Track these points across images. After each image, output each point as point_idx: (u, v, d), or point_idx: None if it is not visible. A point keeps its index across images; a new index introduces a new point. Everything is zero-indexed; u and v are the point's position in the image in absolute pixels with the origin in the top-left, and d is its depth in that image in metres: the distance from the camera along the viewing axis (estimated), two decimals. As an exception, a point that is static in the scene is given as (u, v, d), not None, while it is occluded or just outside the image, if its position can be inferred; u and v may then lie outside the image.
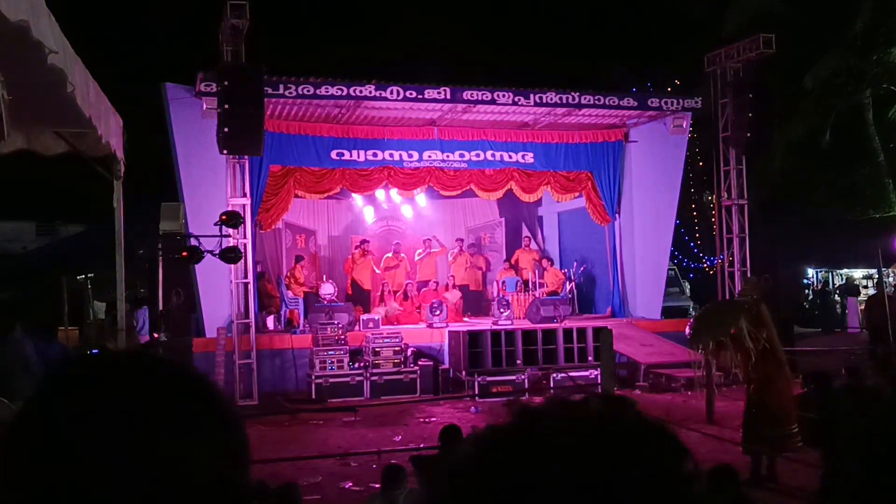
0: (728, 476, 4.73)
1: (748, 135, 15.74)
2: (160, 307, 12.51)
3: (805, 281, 28.39)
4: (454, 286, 17.57)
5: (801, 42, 18.70)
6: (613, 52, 24.82)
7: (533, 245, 19.50)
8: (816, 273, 28.46)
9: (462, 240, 18.64)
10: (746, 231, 16.36)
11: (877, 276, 23.70)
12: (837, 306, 25.49)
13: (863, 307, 23.97)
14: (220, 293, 13.70)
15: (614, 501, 0.71)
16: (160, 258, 11.76)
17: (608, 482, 0.71)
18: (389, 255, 17.91)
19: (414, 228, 19.48)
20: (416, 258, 18.12)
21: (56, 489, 0.81)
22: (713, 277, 17.60)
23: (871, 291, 22.95)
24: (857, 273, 26.97)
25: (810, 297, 27.74)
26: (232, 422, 0.92)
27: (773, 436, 7.62)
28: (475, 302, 18.39)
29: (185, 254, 11.36)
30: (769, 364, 7.85)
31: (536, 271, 18.04)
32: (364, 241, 17.53)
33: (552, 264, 18.18)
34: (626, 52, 24.83)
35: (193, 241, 11.46)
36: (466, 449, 0.77)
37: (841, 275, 27.57)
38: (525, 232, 20.12)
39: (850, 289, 25.22)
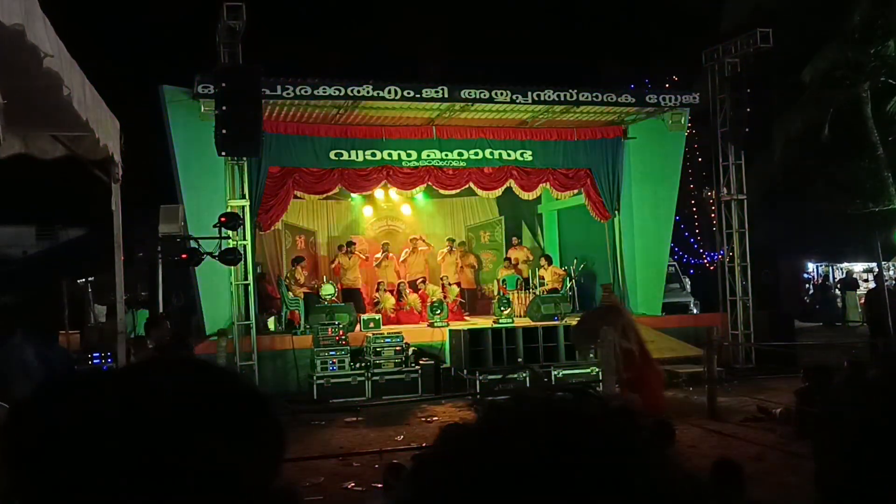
0: (732, 470, 4.73)
1: (747, 130, 15.73)
2: (160, 309, 12.51)
3: (805, 275, 28.38)
4: (451, 286, 17.53)
5: (798, 36, 18.67)
6: (611, 48, 24.80)
7: (528, 243, 19.47)
8: (816, 267, 28.45)
9: (452, 240, 18.58)
10: (746, 226, 16.36)
11: (877, 269, 23.72)
12: (838, 300, 25.49)
13: (862, 301, 24.00)
14: (220, 295, 13.69)
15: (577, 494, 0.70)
16: (160, 261, 11.77)
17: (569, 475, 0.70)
18: (379, 255, 17.88)
19: (413, 228, 19.46)
20: (402, 258, 18.08)
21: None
22: (713, 273, 17.59)
23: (872, 285, 22.94)
24: (858, 267, 26.96)
25: (810, 291, 27.74)
26: (275, 428, 0.92)
27: None
28: (469, 301, 18.38)
29: (184, 256, 11.37)
30: (641, 364, 7.90)
31: (530, 269, 18.03)
32: (350, 244, 17.42)
33: (551, 262, 18.17)
34: (624, 49, 24.80)
35: (193, 244, 11.46)
36: (433, 449, 0.78)
37: (841, 269, 27.55)
38: (523, 231, 20.13)
39: (850, 282, 25.22)
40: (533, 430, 0.74)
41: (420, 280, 17.42)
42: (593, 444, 0.72)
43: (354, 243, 17.57)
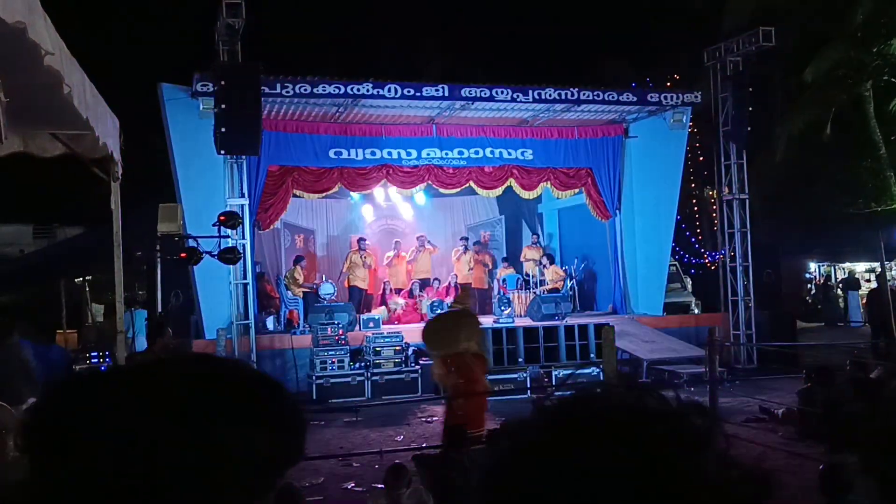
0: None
1: (748, 129, 15.73)
2: (159, 309, 12.52)
3: (807, 275, 28.38)
4: (456, 285, 17.53)
5: (801, 35, 18.68)
6: (612, 47, 24.80)
7: (540, 243, 19.51)
8: (818, 267, 28.46)
9: (466, 238, 18.64)
10: (748, 225, 16.37)
11: (879, 269, 23.72)
12: (840, 300, 25.50)
13: (864, 301, 24.01)
14: (219, 294, 13.70)
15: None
16: (158, 260, 11.76)
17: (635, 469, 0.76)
18: (391, 253, 17.92)
19: (413, 227, 19.47)
20: (409, 257, 18.12)
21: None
22: (715, 273, 17.59)
23: (874, 285, 22.95)
24: (860, 266, 26.95)
25: (812, 291, 27.74)
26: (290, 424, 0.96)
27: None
28: (480, 300, 18.38)
29: (183, 255, 11.37)
30: (475, 369, 7.85)
31: (538, 269, 18.05)
32: (361, 240, 17.51)
33: (552, 262, 18.19)
34: (625, 47, 24.81)
35: (192, 243, 11.46)
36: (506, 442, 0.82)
37: (843, 268, 27.56)
38: (536, 230, 20.15)
39: (852, 283, 25.21)
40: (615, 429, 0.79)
41: (433, 280, 17.42)
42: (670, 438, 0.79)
43: (366, 239, 17.61)
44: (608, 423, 0.78)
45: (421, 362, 13.77)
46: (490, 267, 19.05)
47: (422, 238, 18.23)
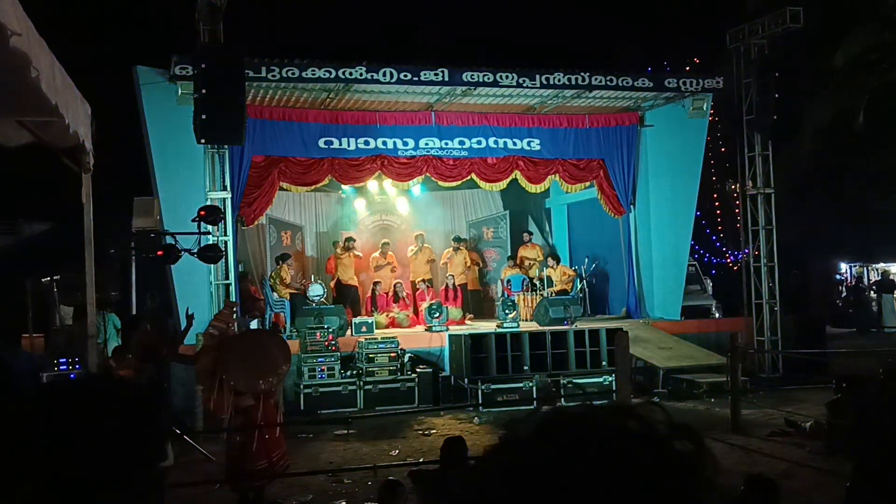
0: (766, 486, 4.75)
1: (774, 117, 15.74)
2: (133, 311, 12.53)
3: (837, 276, 28.41)
4: (455, 287, 17.53)
5: (831, 15, 18.68)
6: (627, 28, 24.81)
7: (536, 240, 19.51)
8: (850, 268, 28.48)
9: (458, 238, 18.62)
10: (773, 222, 16.38)
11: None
12: (872, 304, 25.53)
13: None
14: (198, 296, 13.65)
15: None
16: (133, 258, 11.78)
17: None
18: (377, 254, 17.93)
19: (409, 223, 19.48)
20: (410, 254, 18.14)
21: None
22: (737, 274, 17.62)
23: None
24: (895, 267, 26.98)
25: (843, 293, 27.76)
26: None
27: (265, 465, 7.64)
28: (474, 303, 18.42)
29: (160, 253, 11.36)
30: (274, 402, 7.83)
31: (538, 270, 18.08)
32: (348, 239, 17.53)
33: (559, 262, 18.21)
34: (641, 28, 24.82)
35: (169, 239, 11.46)
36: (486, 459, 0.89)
37: (876, 269, 27.59)
38: (529, 227, 20.18)
39: (886, 284, 25.23)
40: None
41: (422, 282, 17.43)
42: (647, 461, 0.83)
43: (354, 240, 17.63)
44: (593, 448, 0.83)
45: (418, 370, 13.79)
46: (481, 266, 19.06)
47: (422, 236, 18.26)
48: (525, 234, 19.37)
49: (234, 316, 9.28)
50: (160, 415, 1.38)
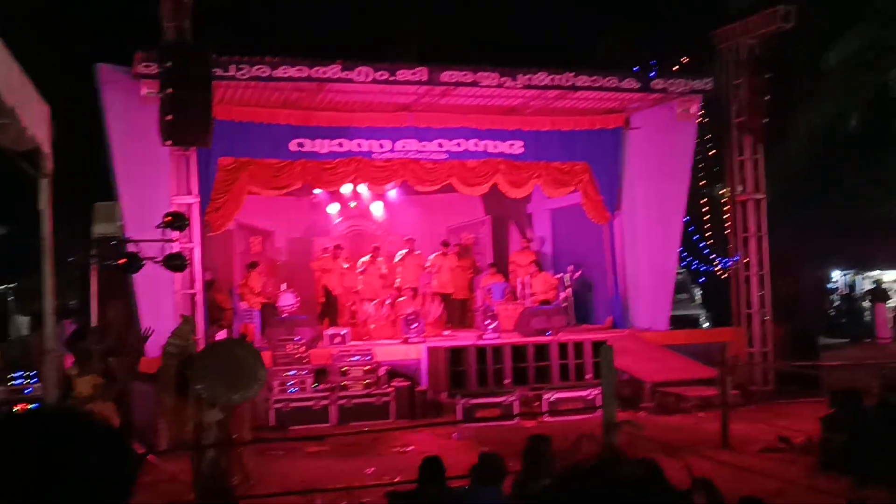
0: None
1: (765, 120, 15.83)
2: (93, 322, 12.40)
3: (830, 285, 28.60)
4: (434, 296, 17.55)
5: (824, 14, 18.82)
6: (612, 27, 24.89)
7: (534, 247, 19.54)
8: (843, 276, 28.69)
9: (448, 243, 18.67)
10: (764, 229, 16.48)
11: (911, 278, 23.96)
12: (866, 314, 25.73)
13: (893, 314, 24.23)
14: (162, 306, 13.59)
15: None
16: (93, 266, 11.66)
17: None
18: (366, 258, 17.91)
19: (385, 229, 19.48)
20: (397, 260, 18.14)
21: None
22: (727, 282, 17.70)
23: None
24: (889, 276, 27.21)
25: (836, 303, 27.96)
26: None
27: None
28: (459, 312, 18.43)
29: (122, 261, 11.28)
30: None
31: (527, 277, 18.12)
32: (338, 246, 17.58)
33: (540, 269, 18.24)
34: (627, 27, 24.91)
35: (132, 247, 11.38)
36: None
37: (870, 278, 27.81)
38: (526, 233, 20.23)
39: (880, 294, 25.43)
40: None
41: (407, 289, 17.43)
42: None
43: (342, 248, 17.67)
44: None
45: (394, 384, 13.76)
46: (474, 274, 19.09)
47: (411, 241, 18.28)
48: (523, 241, 19.40)
49: (192, 330, 9.19)
50: (129, 455, 1.42)
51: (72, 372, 9.17)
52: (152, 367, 9.44)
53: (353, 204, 19.02)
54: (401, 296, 17.24)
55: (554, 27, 25.12)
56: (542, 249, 20.13)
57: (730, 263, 17.22)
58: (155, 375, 8.31)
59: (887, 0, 18.47)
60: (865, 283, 27.79)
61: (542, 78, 14.92)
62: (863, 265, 27.66)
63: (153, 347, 13.42)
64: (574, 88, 15.24)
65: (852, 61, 19.02)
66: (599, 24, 25.01)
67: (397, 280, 18.00)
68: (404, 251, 18.20)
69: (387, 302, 17.05)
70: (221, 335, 15.26)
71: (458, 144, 16.33)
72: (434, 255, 18.57)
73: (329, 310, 17.05)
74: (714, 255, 25.88)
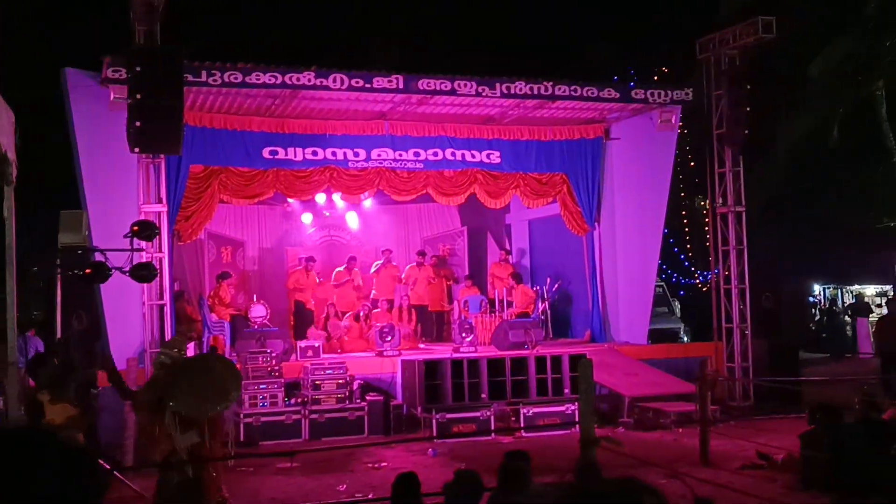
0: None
1: (746, 131, 15.95)
2: (58, 334, 12.30)
3: (811, 299, 28.85)
4: (409, 308, 17.54)
5: (806, 26, 19.00)
6: (592, 36, 25.07)
7: (512, 259, 19.56)
8: (824, 290, 28.96)
9: (424, 253, 18.67)
10: (745, 242, 16.57)
11: (892, 293, 24.20)
12: (847, 328, 25.96)
13: (875, 329, 24.44)
14: (130, 317, 13.52)
15: None
16: (59, 276, 11.57)
17: None
18: (341, 269, 17.89)
19: (360, 239, 19.47)
20: (373, 271, 18.12)
21: None
22: (707, 295, 17.82)
23: (885, 311, 23.39)
24: (870, 290, 27.49)
25: (817, 317, 28.19)
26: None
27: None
28: (436, 325, 18.42)
29: (88, 271, 11.21)
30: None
31: (505, 290, 18.15)
32: (310, 259, 17.54)
33: (520, 281, 18.27)
34: (607, 36, 25.09)
35: (98, 256, 11.31)
36: None
37: (851, 292, 28.09)
38: (504, 244, 20.27)
39: (861, 308, 25.67)
40: None
41: (382, 301, 17.40)
42: None
43: (315, 260, 17.63)
44: None
45: (368, 398, 13.73)
46: (451, 284, 19.10)
47: (388, 252, 18.29)
48: (502, 252, 19.42)
49: (188, 339, 9.11)
50: (95, 474, 1.46)
51: (43, 397, 8.99)
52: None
53: (327, 213, 18.99)
54: (375, 308, 17.23)
55: (533, 36, 25.26)
56: (521, 261, 20.19)
57: (710, 276, 17.33)
58: (135, 392, 8.22)
59: (867, 15, 18.65)
60: (846, 296, 28.06)
61: (520, 87, 14.97)
62: (844, 279, 27.93)
63: (117, 360, 13.39)
64: (553, 98, 15.31)
65: (833, 74, 19.20)
66: (579, 33, 25.17)
67: (372, 292, 18.00)
68: (380, 262, 18.20)
69: (361, 314, 17.02)
70: (190, 348, 15.21)
71: (435, 154, 16.35)
72: (409, 266, 18.58)
73: (302, 323, 16.96)
74: (694, 268, 26.10)
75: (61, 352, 10.72)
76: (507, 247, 20.78)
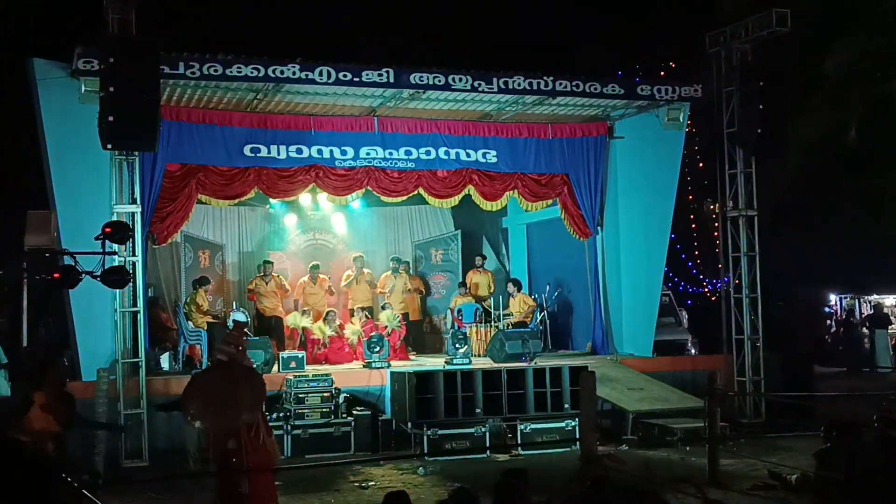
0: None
1: (758, 131, 15.96)
2: (24, 343, 12.26)
3: (826, 309, 28.86)
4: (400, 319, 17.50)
5: (821, 19, 19.04)
6: (595, 28, 25.09)
7: (489, 265, 19.48)
8: (840, 300, 28.97)
9: (398, 259, 18.60)
10: (756, 248, 16.58)
11: (912, 303, 24.23)
12: (865, 340, 25.98)
13: (894, 341, 24.47)
14: (100, 324, 13.47)
15: None
16: (25, 280, 11.54)
17: None
18: (305, 279, 17.85)
19: (347, 243, 19.43)
20: (343, 284, 18.07)
21: None
22: (716, 305, 17.82)
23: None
24: (889, 300, 27.50)
25: (832, 328, 28.21)
26: None
27: None
28: (416, 335, 18.39)
29: (56, 275, 11.15)
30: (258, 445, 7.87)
31: (494, 298, 18.12)
32: (266, 263, 17.46)
33: (519, 289, 18.25)
34: (611, 29, 25.12)
35: (68, 260, 11.25)
36: None
37: (869, 302, 28.10)
38: (484, 249, 20.24)
39: (880, 319, 25.70)
40: None
41: (360, 311, 17.35)
42: None
43: (271, 263, 17.52)
44: None
45: (355, 412, 13.70)
46: (424, 293, 19.04)
47: (359, 258, 18.23)
48: (478, 258, 19.34)
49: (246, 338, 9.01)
50: (59, 485, 1.43)
51: (38, 398, 8.95)
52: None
53: (311, 213, 18.95)
54: (350, 319, 17.17)
55: (532, 29, 25.27)
56: (512, 267, 20.18)
57: (719, 285, 17.34)
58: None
59: (885, 8, 18.69)
60: (864, 307, 28.08)
61: (518, 82, 14.95)
62: (861, 288, 27.93)
63: (87, 370, 13.37)
64: (553, 93, 15.29)
65: (850, 71, 19.22)
66: (581, 25, 25.19)
67: (350, 302, 17.96)
68: (351, 274, 18.09)
69: (336, 323, 16.95)
70: (164, 357, 15.16)
71: (428, 152, 16.34)
72: (384, 273, 18.51)
73: (268, 332, 16.79)
74: (702, 276, 26.10)
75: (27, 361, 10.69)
76: (505, 252, 20.77)
